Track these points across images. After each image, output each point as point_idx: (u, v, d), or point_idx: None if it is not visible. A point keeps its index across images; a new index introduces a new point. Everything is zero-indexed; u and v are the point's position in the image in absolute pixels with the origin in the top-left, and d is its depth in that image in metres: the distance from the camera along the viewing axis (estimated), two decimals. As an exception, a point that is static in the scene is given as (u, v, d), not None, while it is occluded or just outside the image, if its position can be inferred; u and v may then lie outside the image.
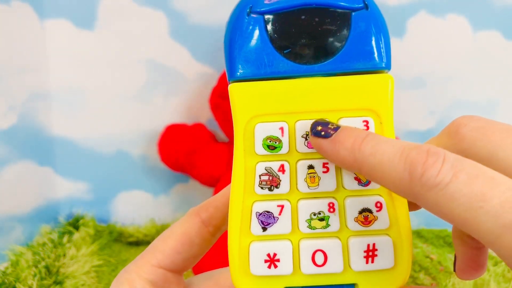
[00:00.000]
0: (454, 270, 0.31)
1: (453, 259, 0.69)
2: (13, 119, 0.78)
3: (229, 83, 0.29)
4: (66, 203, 0.87)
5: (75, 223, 0.80)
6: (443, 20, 0.82)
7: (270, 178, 0.28)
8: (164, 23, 0.83)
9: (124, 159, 0.86)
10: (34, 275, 0.65)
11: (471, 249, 0.29)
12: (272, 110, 0.28)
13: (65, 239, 0.75)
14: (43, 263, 0.68)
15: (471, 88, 0.83)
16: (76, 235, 0.76)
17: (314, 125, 0.26)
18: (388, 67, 0.28)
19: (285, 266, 0.28)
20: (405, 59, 0.83)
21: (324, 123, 0.26)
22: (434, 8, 0.81)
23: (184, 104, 0.84)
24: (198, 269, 0.72)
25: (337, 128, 0.26)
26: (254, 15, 0.28)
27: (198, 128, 0.82)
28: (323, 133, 0.26)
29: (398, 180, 0.23)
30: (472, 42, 0.82)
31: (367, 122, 0.28)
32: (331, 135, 0.25)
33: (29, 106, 0.80)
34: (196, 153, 0.80)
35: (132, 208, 0.88)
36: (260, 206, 0.28)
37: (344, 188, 0.28)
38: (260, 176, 0.28)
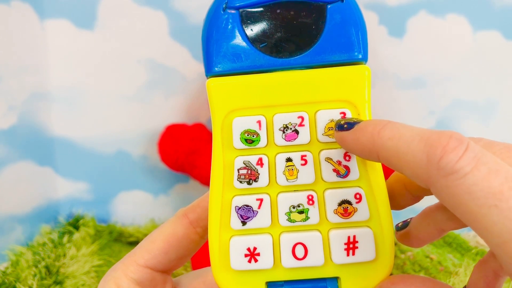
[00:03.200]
0: None
1: (453, 259, 0.69)
2: (13, 119, 0.77)
3: (207, 78, 0.29)
4: (66, 203, 0.87)
5: (75, 223, 0.80)
6: (443, 20, 0.82)
7: (249, 172, 0.28)
8: (164, 23, 0.83)
9: (124, 159, 0.86)
10: (34, 275, 0.65)
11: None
12: (249, 104, 0.28)
13: (65, 239, 0.75)
14: (43, 263, 0.68)
15: (471, 88, 0.83)
16: (76, 235, 0.76)
17: (339, 121, 0.27)
18: (364, 58, 0.28)
19: (265, 260, 0.28)
20: (405, 59, 0.83)
21: (349, 119, 0.26)
22: (434, 8, 0.81)
23: (184, 104, 0.84)
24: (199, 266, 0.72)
25: (360, 121, 0.26)
26: (230, 11, 0.28)
27: (198, 128, 0.82)
28: (346, 125, 0.26)
29: (414, 162, 0.22)
30: (472, 42, 0.82)
31: (344, 114, 0.28)
32: (354, 126, 0.25)
33: (29, 106, 0.80)
34: (196, 153, 0.80)
35: (132, 208, 0.88)
36: (239, 200, 0.28)
37: (323, 180, 0.28)
38: (238, 170, 0.28)
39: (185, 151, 0.80)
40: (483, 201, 0.20)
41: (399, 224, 0.31)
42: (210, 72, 0.29)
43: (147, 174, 0.87)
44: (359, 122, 0.26)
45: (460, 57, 0.82)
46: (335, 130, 0.27)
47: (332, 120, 0.28)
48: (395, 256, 0.74)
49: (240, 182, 0.28)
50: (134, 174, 0.87)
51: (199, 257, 0.71)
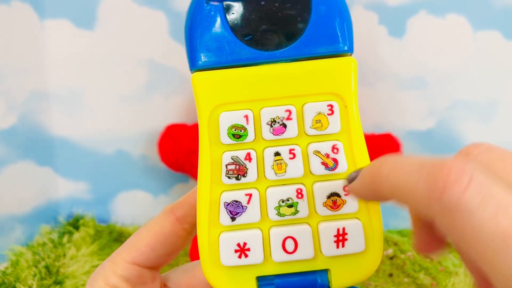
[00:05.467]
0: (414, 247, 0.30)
1: (453, 259, 0.69)
2: (13, 119, 0.78)
3: (191, 73, 0.29)
4: (66, 203, 0.87)
5: (75, 223, 0.80)
6: (443, 20, 0.81)
7: (237, 167, 0.28)
8: (164, 23, 0.83)
9: (124, 159, 0.86)
10: (34, 275, 0.65)
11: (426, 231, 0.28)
12: (236, 98, 0.28)
13: (65, 239, 0.75)
14: (43, 263, 0.68)
15: (471, 88, 0.83)
16: (76, 235, 0.76)
17: (349, 176, 0.26)
18: (350, 50, 0.28)
19: (255, 255, 0.28)
20: (405, 59, 0.83)
21: (356, 170, 0.26)
22: (434, 8, 0.81)
23: (183, 104, 0.84)
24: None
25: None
26: (213, 3, 0.28)
27: (198, 128, 0.82)
28: (354, 174, 0.25)
29: (416, 197, 0.20)
30: (472, 42, 0.82)
31: (331, 106, 0.28)
32: (359, 174, 0.25)
33: (29, 106, 0.81)
34: (196, 153, 0.79)
35: (132, 208, 0.88)
36: (228, 196, 0.28)
37: (311, 173, 0.28)
38: (226, 165, 0.28)
39: (185, 151, 0.80)
40: (491, 243, 0.18)
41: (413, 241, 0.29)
42: (194, 66, 0.29)
43: (147, 174, 0.87)
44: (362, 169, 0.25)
45: (460, 57, 0.82)
46: (347, 184, 0.26)
47: (319, 113, 0.28)
48: (395, 256, 0.73)
49: (229, 177, 0.28)
50: (134, 174, 0.87)
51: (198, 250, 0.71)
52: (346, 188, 0.27)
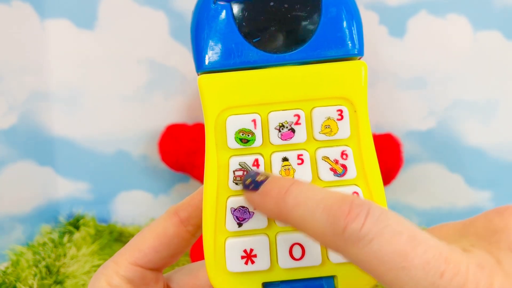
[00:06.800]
0: None
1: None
2: (13, 119, 0.78)
3: (198, 75, 0.28)
4: (67, 203, 0.87)
5: (75, 223, 0.80)
6: (443, 20, 0.81)
7: (245, 173, 0.28)
8: (165, 23, 0.82)
9: (124, 159, 0.86)
10: (35, 275, 0.65)
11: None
12: (243, 101, 0.27)
13: (65, 238, 0.75)
14: (43, 263, 0.68)
15: (471, 88, 0.83)
16: (77, 235, 0.76)
17: (244, 178, 0.26)
18: (360, 53, 0.27)
19: (262, 261, 0.28)
20: (405, 59, 0.82)
21: (253, 176, 0.26)
22: (435, 8, 0.81)
23: (184, 104, 0.84)
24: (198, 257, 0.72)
25: (265, 179, 0.25)
26: (221, 3, 0.27)
27: (199, 128, 0.82)
28: (252, 186, 0.26)
29: (321, 233, 0.22)
30: (472, 42, 0.82)
31: (341, 111, 0.27)
32: (259, 187, 0.25)
33: (29, 106, 0.80)
34: (197, 153, 0.80)
35: (132, 208, 0.87)
36: (235, 202, 0.28)
37: (320, 179, 0.28)
38: (234, 171, 0.28)
39: (186, 151, 0.80)
40: (391, 264, 0.20)
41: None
42: (201, 68, 0.28)
43: (147, 174, 0.87)
44: (264, 180, 0.25)
45: (460, 57, 0.82)
46: (243, 188, 0.27)
47: (328, 118, 0.27)
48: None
49: (236, 183, 0.28)
50: (134, 174, 0.87)
51: (199, 250, 0.70)
52: (244, 196, 0.27)
